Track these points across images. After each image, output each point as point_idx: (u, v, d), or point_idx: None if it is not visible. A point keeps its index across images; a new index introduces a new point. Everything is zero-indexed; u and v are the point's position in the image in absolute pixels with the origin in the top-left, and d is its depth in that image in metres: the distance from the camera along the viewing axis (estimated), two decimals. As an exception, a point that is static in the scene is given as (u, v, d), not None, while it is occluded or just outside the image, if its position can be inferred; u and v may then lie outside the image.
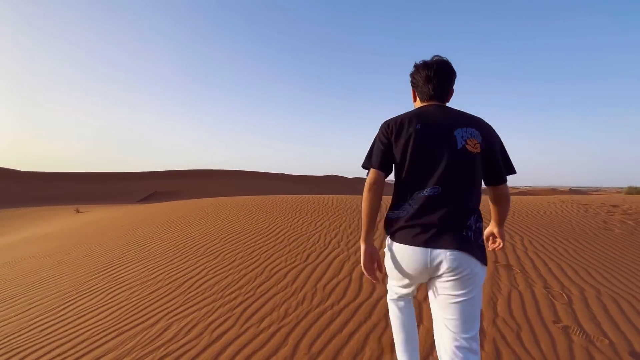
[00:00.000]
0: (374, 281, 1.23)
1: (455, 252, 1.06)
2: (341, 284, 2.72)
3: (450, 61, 1.26)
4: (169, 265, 3.53)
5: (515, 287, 2.56)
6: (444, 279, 1.08)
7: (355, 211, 5.69)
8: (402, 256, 1.16)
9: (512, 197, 8.97)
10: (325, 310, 2.29)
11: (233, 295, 2.63)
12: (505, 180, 1.22)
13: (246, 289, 2.72)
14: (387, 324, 2.09)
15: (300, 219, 5.25)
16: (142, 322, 2.35)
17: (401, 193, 1.21)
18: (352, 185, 42.29)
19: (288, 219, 5.25)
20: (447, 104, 1.29)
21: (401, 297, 1.35)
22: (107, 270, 3.68)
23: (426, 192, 1.13)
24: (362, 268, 1.24)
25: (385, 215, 1.27)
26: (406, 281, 1.23)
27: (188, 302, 2.58)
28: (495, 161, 1.18)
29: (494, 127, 1.23)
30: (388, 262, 1.27)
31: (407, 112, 1.26)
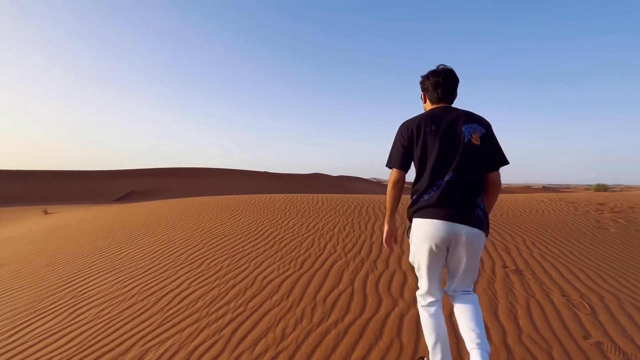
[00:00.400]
0: (390, 249, 1.59)
1: (472, 229, 1.31)
2: (343, 295, 2.44)
3: (454, 69, 1.48)
4: (145, 276, 3.13)
5: (532, 296, 2.36)
6: (460, 247, 1.32)
7: (347, 211, 5.42)
8: (429, 229, 1.34)
9: (499, 196, 9.00)
10: (329, 330, 2.00)
11: (220, 312, 2.29)
12: (497, 168, 1.40)
13: (235, 304, 2.38)
14: (402, 345, 1.82)
15: (291, 220, 4.92)
16: (112, 348, 1.98)
17: (425, 181, 1.39)
18: (337, 184, 42.12)
19: (277, 221, 4.91)
20: (453, 104, 1.51)
21: (430, 304, 1.45)
22: (72, 283, 3.23)
23: (445, 179, 1.34)
24: (384, 241, 1.57)
25: (412, 201, 1.46)
26: (430, 257, 1.36)
27: (167, 322, 2.22)
28: (491, 152, 1.38)
29: (492, 126, 1.43)
30: (415, 243, 1.42)
31: (421, 114, 1.48)
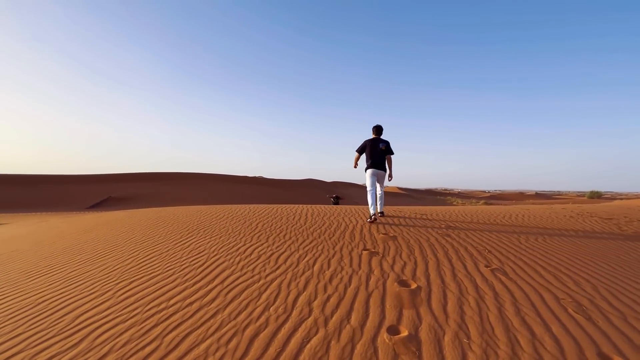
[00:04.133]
0: (354, 166, 5.13)
1: (381, 171, 4.83)
2: None
3: (382, 124, 5.03)
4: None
5: None
6: (379, 176, 4.82)
7: (335, 233, 4.12)
8: (370, 172, 4.77)
9: (510, 208, 7.80)
10: None
11: None
12: (391, 154, 4.94)
13: None
14: None
15: (256, 247, 3.60)
16: None
17: (368, 160, 4.85)
18: (330, 190, 40.71)
19: (238, 248, 3.58)
20: (381, 136, 5.02)
21: (371, 190, 4.71)
22: None
23: (373, 159, 4.80)
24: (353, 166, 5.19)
25: (366, 165, 4.89)
26: (371, 179, 4.74)
27: None
28: (388, 150, 4.89)
29: (390, 142, 4.93)
30: (367, 175, 4.79)
31: (370, 138, 4.97)
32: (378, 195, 4.77)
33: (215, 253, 3.45)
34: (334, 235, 3.99)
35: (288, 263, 3.04)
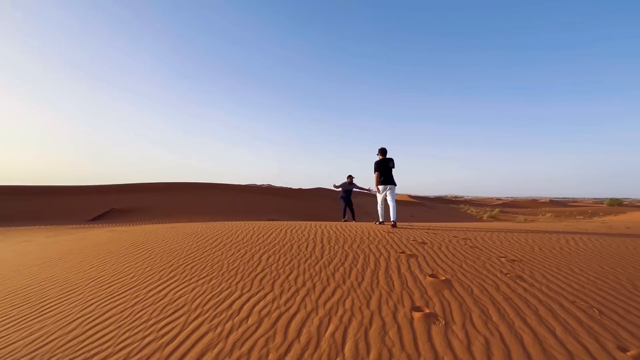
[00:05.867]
0: (375, 189, 6.28)
1: (392, 186, 6.03)
2: None
3: (386, 146, 6.28)
4: None
5: None
6: (389, 190, 6.01)
7: (364, 270, 3.06)
8: (382, 187, 6.06)
9: (559, 227, 6.62)
10: None
11: None
12: (394, 168, 6.18)
13: None
14: None
15: (257, 302, 2.55)
16: None
17: (382, 176, 6.04)
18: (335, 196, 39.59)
19: (232, 302, 2.54)
20: (388, 156, 6.25)
21: (381, 204, 6.23)
22: None
23: (385, 176, 6.03)
24: (375, 187, 6.22)
25: (379, 181, 6.05)
26: (383, 193, 6.08)
27: None
28: (393, 166, 6.14)
29: (395, 158, 6.22)
30: (380, 190, 6.10)
31: (380, 159, 6.19)
32: (391, 206, 5.92)
33: (198, 311, 2.41)
34: (363, 279, 2.91)
35: (303, 338, 1.99)
